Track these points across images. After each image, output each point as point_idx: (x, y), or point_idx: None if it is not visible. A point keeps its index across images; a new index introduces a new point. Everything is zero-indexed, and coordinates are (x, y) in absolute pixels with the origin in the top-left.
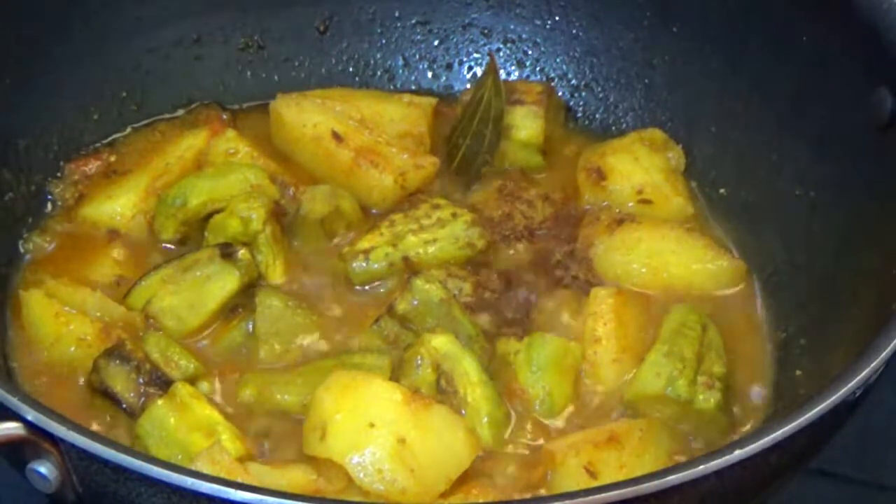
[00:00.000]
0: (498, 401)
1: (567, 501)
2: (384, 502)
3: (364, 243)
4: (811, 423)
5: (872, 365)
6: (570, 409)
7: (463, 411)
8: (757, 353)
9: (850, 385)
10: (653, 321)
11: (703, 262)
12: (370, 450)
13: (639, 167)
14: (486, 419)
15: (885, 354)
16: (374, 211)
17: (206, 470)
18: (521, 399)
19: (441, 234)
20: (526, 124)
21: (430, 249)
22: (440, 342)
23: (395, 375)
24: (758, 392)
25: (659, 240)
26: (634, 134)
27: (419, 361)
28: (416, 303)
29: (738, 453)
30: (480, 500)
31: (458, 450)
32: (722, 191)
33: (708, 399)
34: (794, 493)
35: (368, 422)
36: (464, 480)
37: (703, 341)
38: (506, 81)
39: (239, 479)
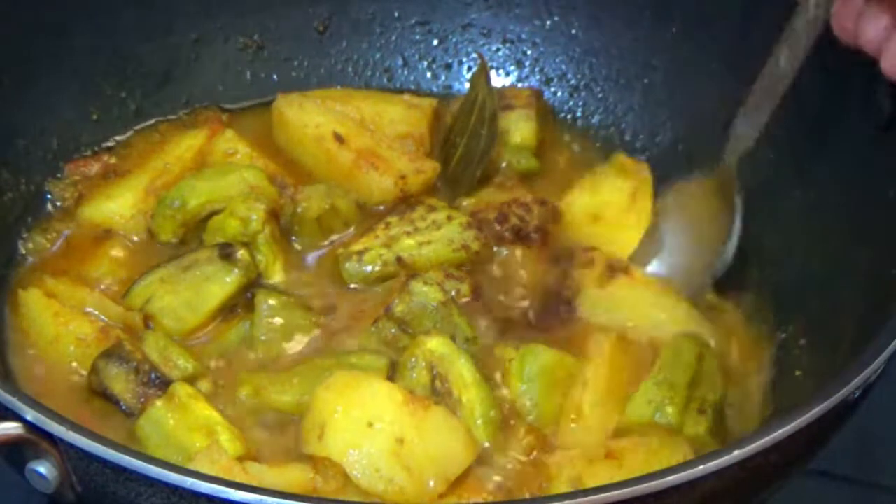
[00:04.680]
0: (492, 402)
1: (567, 501)
2: (382, 502)
3: (358, 245)
4: (811, 423)
5: (872, 365)
6: (571, 420)
7: (458, 413)
8: (756, 354)
9: (850, 385)
10: (647, 368)
11: (696, 325)
12: (368, 448)
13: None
14: (480, 420)
15: (885, 354)
16: (375, 208)
17: (204, 469)
18: (512, 407)
19: (436, 236)
20: (519, 127)
21: (424, 251)
22: (435, 344)
23: (391, 377)
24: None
25: (650, 302)
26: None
27: (413, 363)
28: (414, 305)
29: (738, 453)
30: (478, 501)
31: (457, 451)
32: None
33: (698, 424)
34: (794, 493)
35: (367, 421)
36: (459, 484)
37: (699, 369)
38: (494, 88)
39: (237, 479)
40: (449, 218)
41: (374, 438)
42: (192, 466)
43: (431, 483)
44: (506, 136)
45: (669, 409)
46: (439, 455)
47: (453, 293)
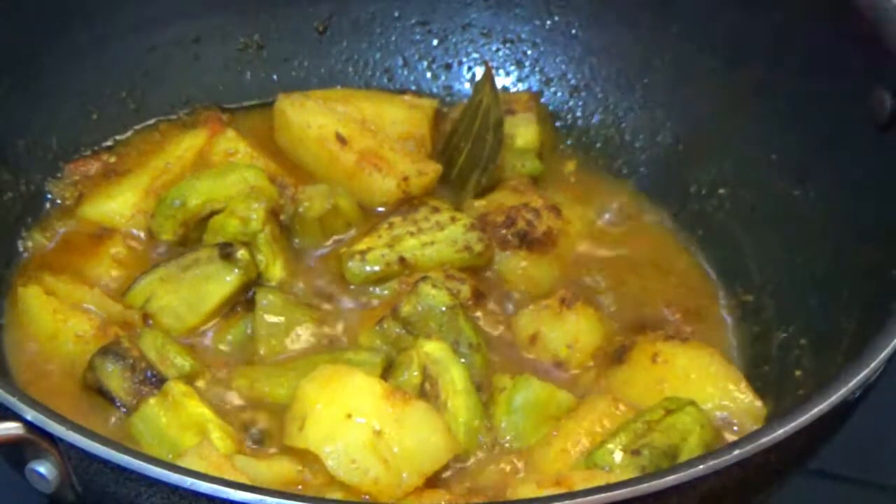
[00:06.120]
0: (478, 412)
1: (567, 501)
2: (370, 500)
3: (361, 245)
4: (811, 423)
5: (872, 365)
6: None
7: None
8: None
9: (850, 385)
10: None
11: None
12: (345, 440)
13: None
14: (462, 428)
15: (885, 354)
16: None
17: (194, 466)
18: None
19: (439, 236)
20: (521, 132)
21: (427, 251)
22: (432, 348)
23: (385, 375)
24: None
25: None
26: None
27: (408, 363)
28: (420, 307)
29: (738, 453)
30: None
31: (436, 446)
32: (722, 191)
33: (626, 466)
34: (794, 493)
35: (346, 413)
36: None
37: (661, 421)
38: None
39: (226, 474)
40: (452, 219)
41: (351, 430)
42: (181, 463)
43: (408, 475)
44: (509, 141)
45: (599, 452)
46: (417, 448)
47: (454, 293)
